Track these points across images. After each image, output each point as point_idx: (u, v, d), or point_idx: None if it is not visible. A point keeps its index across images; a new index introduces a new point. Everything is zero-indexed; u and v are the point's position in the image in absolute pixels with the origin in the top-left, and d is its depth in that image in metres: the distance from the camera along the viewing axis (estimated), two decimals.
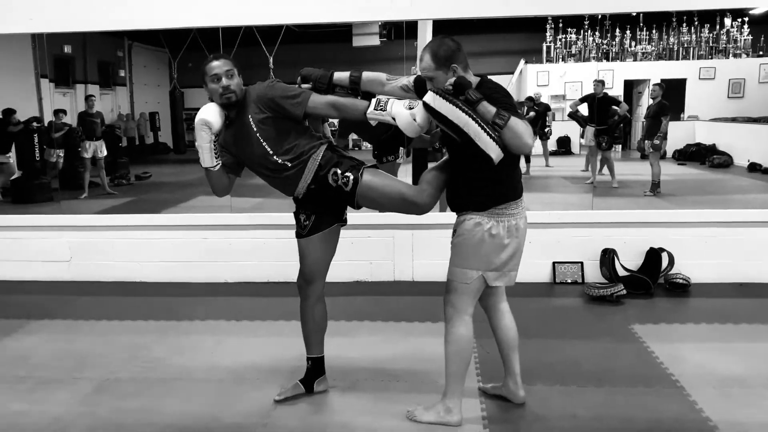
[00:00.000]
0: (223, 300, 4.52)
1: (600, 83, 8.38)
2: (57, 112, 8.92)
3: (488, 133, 2.37)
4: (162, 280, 4.91)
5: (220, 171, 2.71)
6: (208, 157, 2.65)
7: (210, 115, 2.63)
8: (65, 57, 11.48)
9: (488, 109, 2.38)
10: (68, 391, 3.07)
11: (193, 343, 3.69)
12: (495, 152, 2.38)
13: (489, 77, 2.60)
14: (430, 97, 2.44)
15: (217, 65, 2.66)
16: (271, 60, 10.09)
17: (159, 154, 13.47)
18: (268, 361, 3.31)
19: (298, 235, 2.84)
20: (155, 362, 3.42)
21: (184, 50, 11.51)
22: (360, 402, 2.94)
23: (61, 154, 8.71)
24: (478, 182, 2.57)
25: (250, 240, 4.87)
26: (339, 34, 10.03)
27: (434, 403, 2.72)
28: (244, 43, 8.89)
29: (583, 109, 8.56)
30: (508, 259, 2.61)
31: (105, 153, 8.70)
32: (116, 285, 4.90)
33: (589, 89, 9.12)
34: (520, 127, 2.35)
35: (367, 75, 2.74)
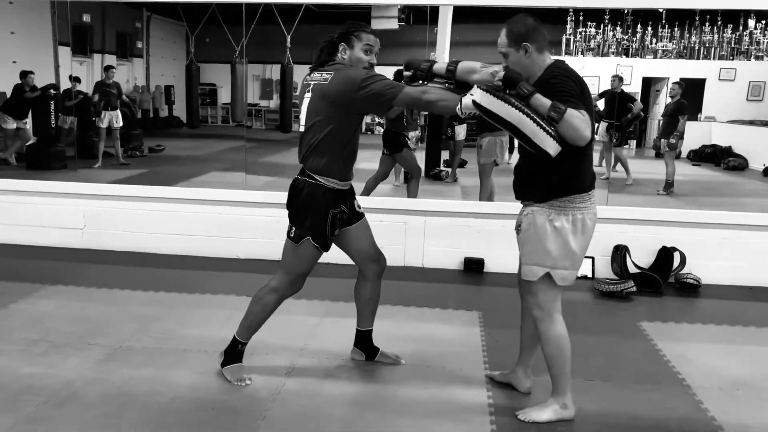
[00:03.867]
0: (234, 275, 4.56)
1: (618, 79, 8.32)
2: (73, 80, 8.93)
3: (544, 128, 2.31)
4: (174, 253, 4.96)
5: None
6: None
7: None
8: (84, 26, 11.46)
9: (542, 102, 2.32)
10: (80, 357, 3.11)
11: (203, 316, 3.73)
12: (553, 148, 2.33)
13: (561, 60, 2.51)
14: (478, 95, 2.38)
15: (375, 41, 2.76)
16: (288, 39, 10.05)
17: (173, 127, 13.49)
18: (277, 337, 3.33)
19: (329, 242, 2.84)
20: (166, 333, 3.46)
21: (203, 25, 11.47)
22: (369, 382, 2.97)
23: (74, 121, 8.73)
24: (541, 172, 2.49)
25: (263, 218, 4.89)
26: (358, 15, 9.94)
27: (546, 402, 2.66)
28: (262, 20, 8.87)
29: (600, 105, 8.51)
30: (574, 256, 2.52)
31: (121, 123, 8.72)
32: (129, 255, 4.95)
33: (606, 84, 9.04)
34: (576, 119, 2.29)
35: (462, 65, 2.59)
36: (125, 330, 3.47)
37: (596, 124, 8.60)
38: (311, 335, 3.47)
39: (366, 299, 3.05)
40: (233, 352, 2.95)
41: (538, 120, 2.31)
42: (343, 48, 2.72)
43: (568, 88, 2.38)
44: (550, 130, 2.32)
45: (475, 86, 2.43)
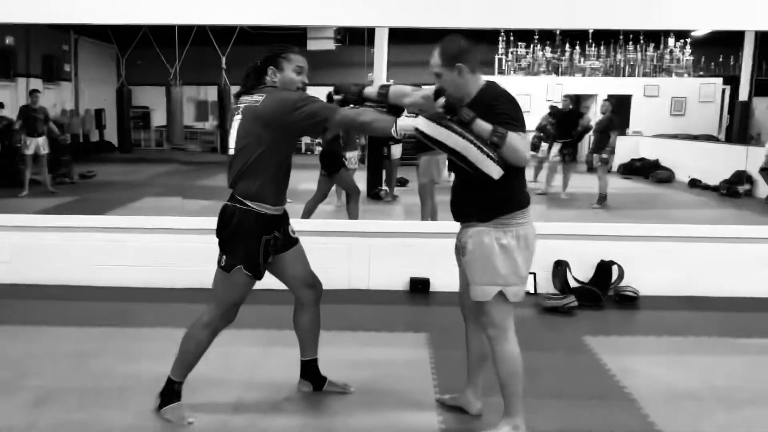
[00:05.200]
0: (173, 306, 4.38)
1: (568, 98, 8.63)
2: None
3: (487, 154, 2.34)
4: (108, 285, 4.73)
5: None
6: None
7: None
8: (6, 48, 11.02)
9: (483, 127, 2.36)
10: (8, 403, 2.91)
11: (141, 351, 3.56)
12: (496, 172, 2.37)
13: (494, 81, 2.55)
14: (422, 124, 2.40)
15: (303, 60, 2.73)
16: (223, 60, 9.92)
17: (104, 152, 13.07)
18: (222, 370, 3.22)
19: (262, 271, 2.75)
20: (102, 371, 3.28)
21: (134, 47, 11.20)
22: (319, 412, 2.89)
23: None
24: (482, 192, 2.50)
25: (202, 245, 4.72)
26: (293, 36, 9.92)
27: (498, 425, 2.61)
28: (196, 41, 8.71)
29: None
30: (522, 271, 2.53)
31: (47, 150, 8.36)
32: (58, 289, 4.69)
33: (537, 103, 9.33)
34: (517, 142, 2.34)
35: (394, 89, 2.61)
36: (57, 370, 3.27)
37: (547, 145, 8.87)
38: (257, 367, 3.36)
39: (306, 328, 2.97)
40: (170, 393, 2.80)
41: (481, 147, 2.35)
42: (273, 71, 2.68)
43: (507, 110, 2.44)
44: (493, 156, 2.35)
45: (420, 116, 2.43)
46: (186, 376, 2.81)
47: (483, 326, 2.62)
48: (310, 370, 3.05)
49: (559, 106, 8.96)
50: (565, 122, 8.58)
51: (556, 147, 8.52)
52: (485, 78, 2.55)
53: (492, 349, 2.59)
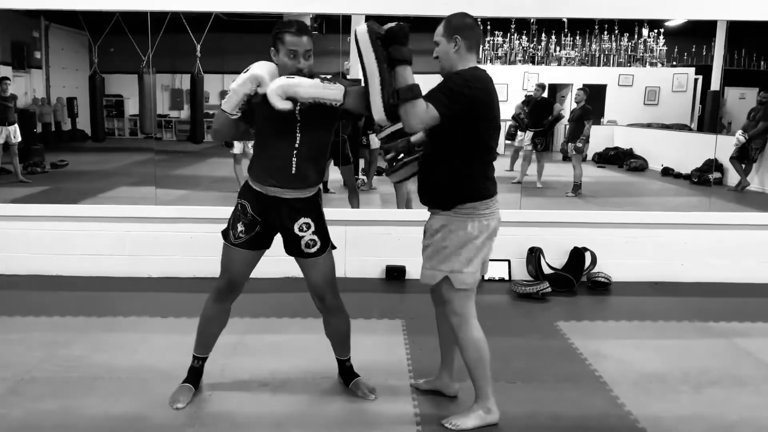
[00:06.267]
0: (147, 295, 4.36)
1: (540, 87, 8.65)
2: None
3: (384, 94, 2.31)
4: (82, 274, 4.68)
5: (236, 120, 2.56)
6: (233, 104, 2.48)
7: (266, 73, 2.45)
8: None
9: (404, 76, 2.33)
10: None
11: (115, 341, 3.53)
12: (378, 115, 2.35)
13: (479, 67, 2.51)
14: (361, 30, 2.34)
15: (302, 42, 2.50)
16: (198, 48, 9.81)
17: (77, 141, 12.86)
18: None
19: (234, 238, 2.71)
20: (75, 361, 3.25)
21: (106, 34, 11.01)
22: (294, 400, 2.90)
23: None
24: (447, 179, 2.52)
25: (176, 234, 4.71)
26: (269, 24, 9.82)
27: (470, 408, 2.65)
28: (170, 29, 8.59)
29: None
30: (478, 259, 2.56)
31: (19, 138, 8.21)
32: (30, 279, 4.64)
33: (514, 92, 9.35)
34: (417, 110, 2.31)
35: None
36: (28, 360, 3.23)
37: (523, 133, 8.93)
38: (231, 354, 3.35)
39: (328, 333, 2.95)
40: (190, 369, 2.90)
41: (384, 85, 2.32)
42: (273, 52, 2.58)
43: (451, 87, 2.41)
44: (388, 100, 2.32)
45: (365, 22, 2.39)
46: (202, 351, 2.88)
47: (446, 314, 2.65)
48: (340, 368, 3.02)
49: (544, 95, 9.02)
50: (536, 111, 8.64)
51: (529, 135, 8.57)
52: (476, 65, 2.53)
53: (456, 336, 2.63)
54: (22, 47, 12.06)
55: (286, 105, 2.40)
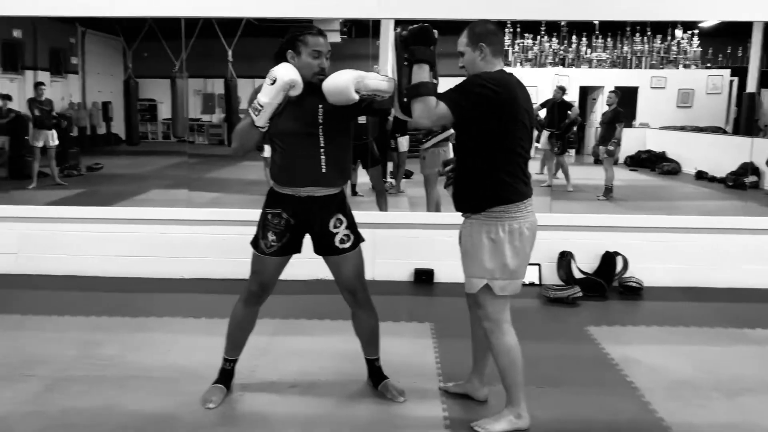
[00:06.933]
0: (179, 296, 4.43)
1: (561, 89, 8.57)
2: (2, 97, 8.59)
3: (400, 92, 2.49)
4: (115, 275, 4.78)
5: (262, 131, 2.62)
6: (267, 117, 2.53)
7: (297, 75, 2.51)
8: (14, 41, 11.08)
9: (420, 75, 2.40)
10: (15, 390, 2.95)
11: (148, 341, 3.60)
12: (396, 111, 2.56)
13: (506, 71, 2.53)
14: (394, 35, 2.54)
15: (324, 43, 2.63)
16: (230, 52, 9.93)
17: (111, 145, 13.13)
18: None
19: (267, 247, 2.74)
20: (109, 360, 3.32)
21: (140, 40, 11.23)
22: (323, 401, 2.92)
23: (6, 141, 8.40)
24: (476, 182, 2.53)
25: (209, 236, 4.78)
26: (298, 30, 9.93)
27: (501, 413, 2.64)
28: (202, 34, 8.72)
29: (542, 114, 8.74)
30: (511, 266, 2.51)
31: (56, 142, 8.42)
32: (67, 279, 4.75)
33: (544, 94, 9.28)
34: (423, 105, 2.37)
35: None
36: (64, 358, 3.32)
37: (538, 133, 8.87)
38: (261, 355, 3.39)
39: (357, 331, 2.96)
40: (221, 369, 2.95)
41: (400, 83, 2.50)
42: (291, 55, 2.62)
43: (464, 86, 2.45)
44: (401, 98, 2.50)
45: (409, 29, 2.49)
46: (231, 354, 2.93)
47: (480, 318, 2.64)
48: (369, 368, 3.03)
49: (565, 97, 8.94)
50: (554, 113, 8.58)
51: (545, 134, 8.52)
52: (503, 68, 2.54)
53: (489, 341, 2.62)
54: (59, 53, 12.38)
55: (356, 96, 2.49)
